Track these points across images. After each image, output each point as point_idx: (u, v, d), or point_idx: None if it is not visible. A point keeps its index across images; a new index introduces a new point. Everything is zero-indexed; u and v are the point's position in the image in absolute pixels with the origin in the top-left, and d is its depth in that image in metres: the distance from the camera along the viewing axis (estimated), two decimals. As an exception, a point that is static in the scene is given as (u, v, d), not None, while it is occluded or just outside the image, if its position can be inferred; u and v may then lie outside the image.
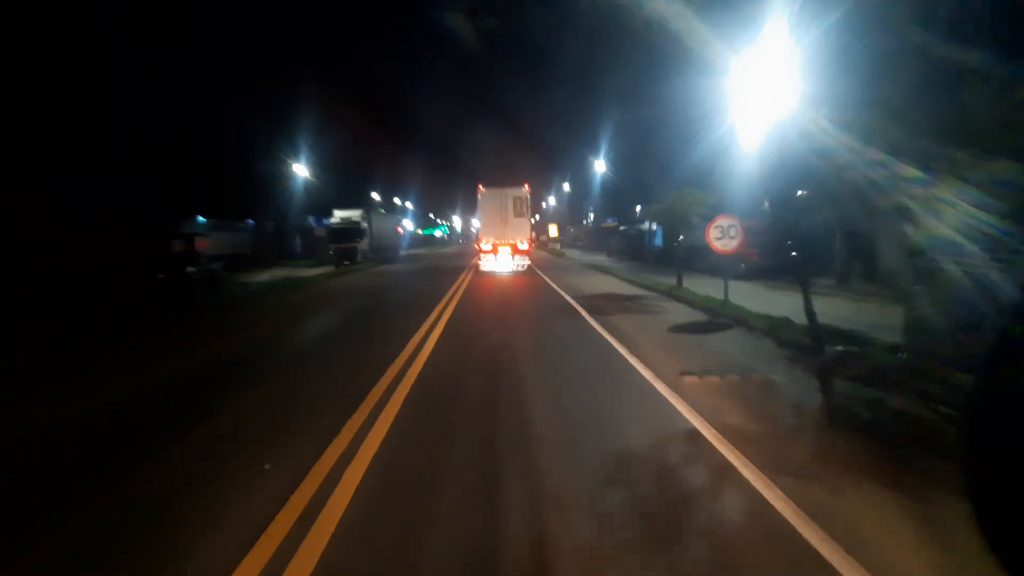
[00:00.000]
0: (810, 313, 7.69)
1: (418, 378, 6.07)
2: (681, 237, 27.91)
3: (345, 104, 51.80)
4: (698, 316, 9.93)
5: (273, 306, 14.05)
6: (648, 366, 6.26)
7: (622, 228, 34.41)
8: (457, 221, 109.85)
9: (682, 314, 10.18)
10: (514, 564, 2.67)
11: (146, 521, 3.24)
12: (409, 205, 69.14)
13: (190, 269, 20.17)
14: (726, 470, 3.64)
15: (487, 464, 3.80)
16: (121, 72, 21.20)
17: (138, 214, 21.19)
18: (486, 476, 3.60)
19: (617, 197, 41.61)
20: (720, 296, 10.97)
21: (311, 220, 38.78)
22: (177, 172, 25.22)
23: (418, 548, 2.82)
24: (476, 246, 22.08)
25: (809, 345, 6.89)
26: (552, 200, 66.48)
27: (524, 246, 20.48)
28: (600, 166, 36.79)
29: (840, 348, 6.61)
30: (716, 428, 4.34)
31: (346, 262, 27.64)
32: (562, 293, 13.37)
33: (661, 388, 5.44)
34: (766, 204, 26.06)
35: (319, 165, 35.43)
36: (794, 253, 20.19)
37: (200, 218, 31.11)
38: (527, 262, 21.10)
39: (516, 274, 19.85)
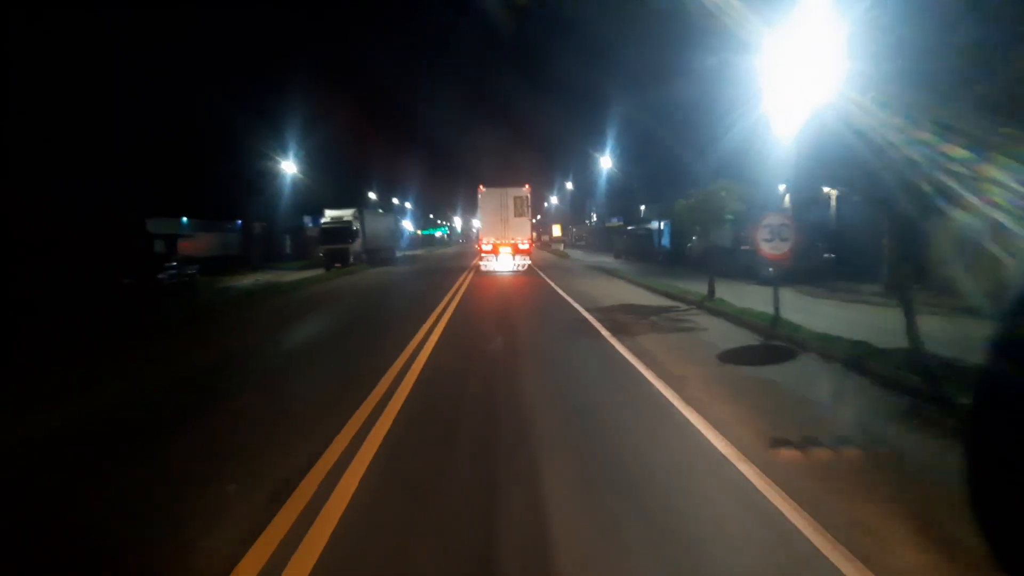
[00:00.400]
0: (914, 339, 5.79)
1: (385, 445, 4.11)
2: (695, 238, 25.96)
3: (341, 101, 49.88)
4: (747, 337, 7.97)
5: (247, 316, 12.29)
6: (714, 425, 4.31)
7: (630, 228, 32.43)
8: (458, 221, 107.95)
9: (726, 334, 8.21)
10: None
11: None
12: (408, 205, 67.20)
13: (164, 274, 18.20)
14: None
15: None
16: (79, 54, 19.31)
17: (100, 213, 19.31)
18: None
19: (623, 196, 39.68)
20: (764, 308, 9.04)
21: (308, 221, 36.87)
22: (146, 167, 23.33)
23: None
24: (476, 246, 21.66)
25: (923, 389, 4.94)
26: (554, 199, 64.52)
27: (525, 246, 20.10)
28: (606, 163, 34.79)
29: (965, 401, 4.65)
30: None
31: (337, 264, 25.72)
32: (574, 304, 11.42)
33: (751, 475, 3.46)
34: (786, 200, 24.12)
35: (313, 163, 33.51)
36: (827, 254, 18.25)
37: (183, 219, 29.22)
38: (528, 262, 20.63)
39: (519, 279, 17.93)
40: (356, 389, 5.46)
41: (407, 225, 69.04)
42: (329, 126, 37.43)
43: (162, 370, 7.07)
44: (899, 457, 3.77)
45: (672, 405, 4.85)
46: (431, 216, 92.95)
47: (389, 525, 2.96)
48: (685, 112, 22.90)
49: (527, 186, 20.56)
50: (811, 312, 9.42)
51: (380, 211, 45.74)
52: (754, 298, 11.18)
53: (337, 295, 15.62)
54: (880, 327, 7.36)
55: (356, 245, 26.16)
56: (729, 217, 10.80)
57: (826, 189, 20.41)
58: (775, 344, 7.36)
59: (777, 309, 8.50)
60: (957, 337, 6.43)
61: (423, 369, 6.31)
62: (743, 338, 7.88)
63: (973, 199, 4.87)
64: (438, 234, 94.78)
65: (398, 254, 36.27)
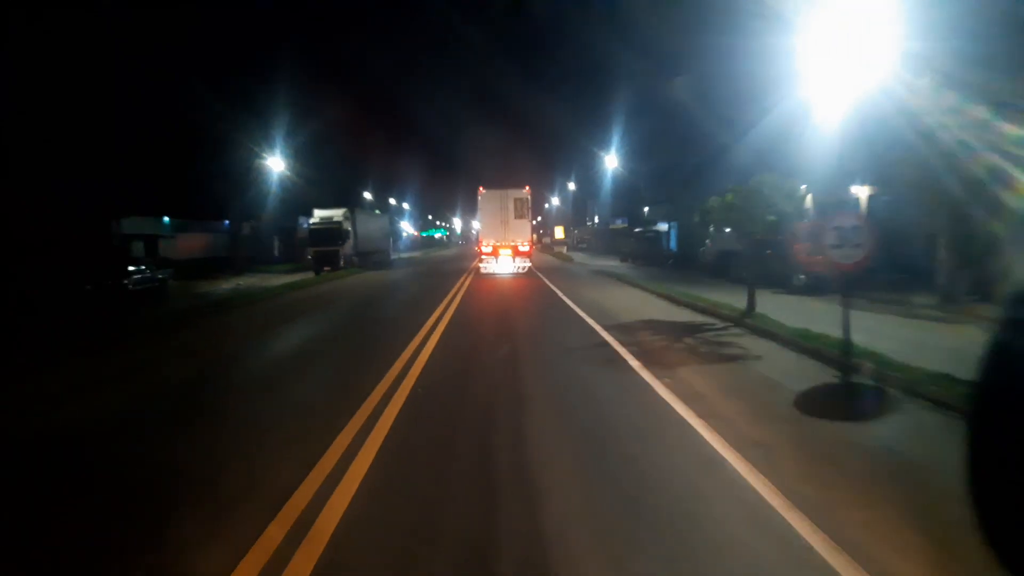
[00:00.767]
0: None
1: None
2: (708, 241, 24.16)
3: (336, 98, 48.12)
4: (816, 370, 6.17)
5: (212, 329, 10.69)
6: (842, 548, 2.51)
7: (637, 230, 30.64)
8: (457, 223, 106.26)
9: (788, 365, 6.42)
10: None
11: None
12: (406, 206, 65.41)
13: (131, 279, 16.41)
14: None
15: None
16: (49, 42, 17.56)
17: (58, 212, 17.53)
18: None
19: (629, 196, 37.93)
20: (813, 325, 7.29)
21: (303, 222, 35.00)
22: (120, 164, 21.54)
23: None
24: (476, 248, 21.37)
25: None
26: (555, 200, 62.76)
27: (525, 248, 19.83)
28: (611, 162, 33.00)
29: None
30: None
31: (326, 268, 23.93)
32: (586, 319, 9.64)
33: None
34: (808, 199, 22.29)
35: (306, 162, 31.72)
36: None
37: (165, 219, 27.43)
38: (528, 264, 20.25)
39: (521, 287, 16.15)
40: (332, 417, 3.65)
41: (406, 226, 67.29)
42: (324, 123, 35.65)
43: (78, 405, 5.32)
44: None
45: (779, 516, 3.01)
46: (429, 217, 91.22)
47: None
48: (707, 103, 21.16)
49: (527, 188, 20.23)
50: (871, 332, 7.60)
51: (377, 212, 43.97)
52: (795, 312, 9.43)
53: (319, 303, 13.84)
54: (971, 353, 5.56)
55: (347, 247, 24.38)
56: (771, 218, 9.02)
57: (854, 188, 18.67)
58: (862, 383, 5.56)
59: (848, 332, 6.69)
60: None
61: (393, 428, 4.50)
62: (812, 371, 6.09)
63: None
64: (437, 235, 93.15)
65: (393, 256, 34.49)
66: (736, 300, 10.88)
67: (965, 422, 0.99)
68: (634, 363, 6.36)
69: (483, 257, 20.15)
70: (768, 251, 18.68)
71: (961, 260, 11.55)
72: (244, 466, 3.77)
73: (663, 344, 7.44)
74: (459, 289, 15.30)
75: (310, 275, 22.85)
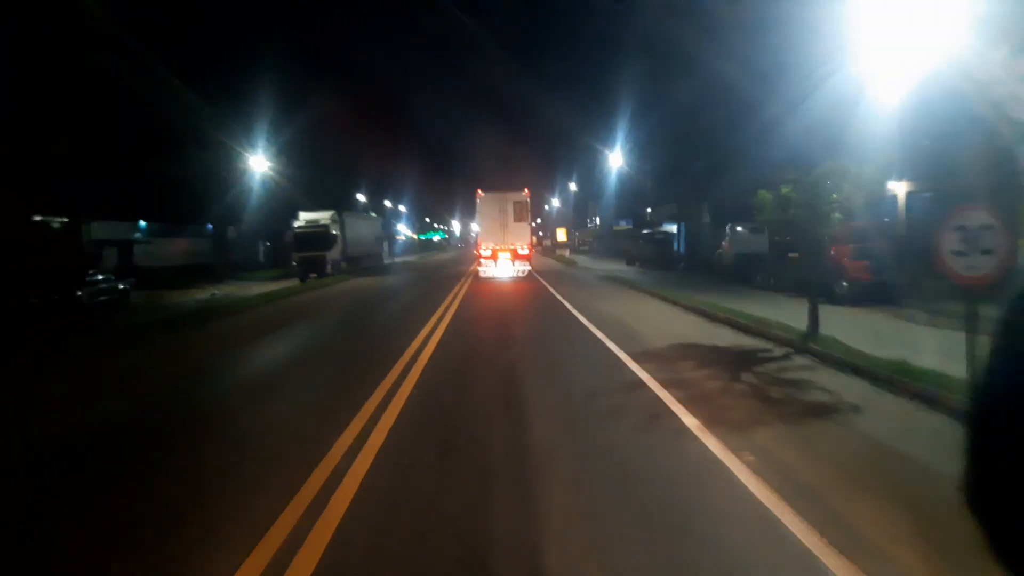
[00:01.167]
0: None
1: None
2: (724, 243, 22.28)
3: (328, 96, 46.31)
4: (951, 430, 4.27)
5: (168, 349, 9.08)
6: None
7: (645, 231, 28.76)
8: (456, 225, 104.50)
9: (903, 422, 4.52)
10: None
11: None
12: (402, 208, 63.52)
13: (86, 290, 14.52)
14: None
15: None
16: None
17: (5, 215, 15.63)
18: None
19: (635, 196, 36.09)
20: (897, 351, 5.43)
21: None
22: (85, 162, 19.66)
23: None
24: (475, 251, 21.02)
25: None
26: (556, 202, 60.91)
27: (525, 251, 19.44)
28: (615, 160, 31.10)
29: None
30: None
31: (312, 275, 22.04)
32: (606, 342, 7.75)
33: None
34: (833, 196, 20.49)
35: (296, 162, 29.84)
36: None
37: (141, 222, 25.54)
38: (528, 268, 19.75)
39: (523, 296, 14.26)
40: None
41: (403, 229, 65.44)
42: (314, 122, 33.79)
43: None
44: None
45: None
46: (427, 220, 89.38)
47: None
48: (725, 93, 19.29)
49: (526, 190, 19.85)
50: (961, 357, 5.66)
51: (372, 215, 42.07)
52: (860, 331, 7.55)
53: (293, 319, 11.95)
54: None
55: (334, 252, 22.50)
56: (836, 216, 7.15)
57: (891, 184, 16.81)
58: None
59: (972, 357, 4.77)
60: None
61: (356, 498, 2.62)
62: (947, 433, 4.20)
63: None
64: (436, 238, 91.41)
65: (387, 261, 32.60)
66: (778, 313, 9.04)
67: (966, 422, 0.88)
68: (689, 420, 4.47)
69: (482, 261, 19.72)
70: (793, 254, 16.89)
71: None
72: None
73: (718, 384, 5.54)
74: (453, 300, 13.41)
75: (295, 282, 20.99)
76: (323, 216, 22.74)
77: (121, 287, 15.95)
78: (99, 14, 19.16)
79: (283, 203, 26.50)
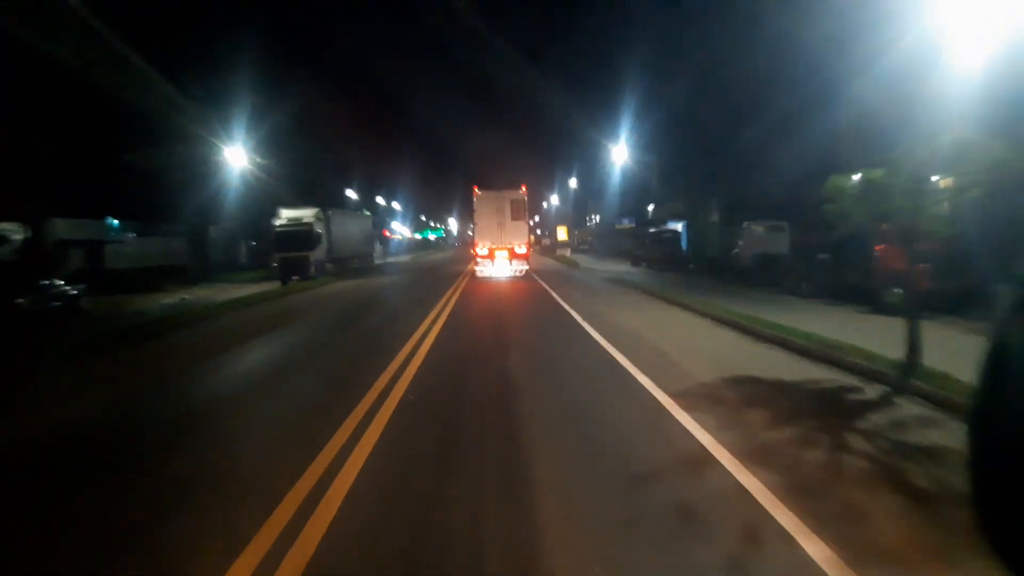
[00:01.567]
0: None
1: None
2: (742, 242, 20.46)
3: (316, 87, 44.31)
4: None
5: (105, 369, 7.55)
6: None
7: (652, 230, 26.94)
8: (454, 224, 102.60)
9: None
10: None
11: None
12: (396, 206, 61.52)
13: (27, 297, 12.63)
14: None
15: None
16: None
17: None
18: None
19: (638, 193, 34.28)
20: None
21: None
22: (41, 156, 17.73)
23: None
24: (471, 251, 20.49)
25: None
26: (555, 199, 59.02)
27: (522, 251, 18.94)
28: (619, 154, 29.23)
29: None
30: None
31: (295, 276, 20.17)
32: (636, 375, 5.89)
33: None
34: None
35: (281, 156, 27.92)
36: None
37: (112, 221, 23.60)
38: (525, 267, 19.27)
39: (525, 306, 12.41)
40: None
41: (399, 228, 63.48)
42: (302, 116, 31.86)
43: None
44: None
45: None
46: (422, 218, 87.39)
47: None
48: (750, 69, 17.46)
49: (524, 187, 19.29)
50: None
51: (366, 212, 40.16)
52: (950, 352, 5.66)
53: (263, 329, 10.14)
54: None
55: (319, 252, 20.62)
56: (943, 209, 5.34)
57: (935, 178, 15.08)
58: None
59: None
60: None
61: None
62: None
63: None
64: (433, 237, 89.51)
65: (379, 261, 30.71)
66: (832, 328, 7.29)
67: (967, 422, 0.86)
68: (814, 549, 2.61)
69: (479, 260, 19.20)
70: (821, 255, 15.10)
71: None
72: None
73: (820, 458, 3.66)
74: (443, 308, 11.55)
75: (276, 285, 19.13)
76: (306, 213, 20.85)
77: (74, 293, 14.06)
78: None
79: (267, 200, 24.58)
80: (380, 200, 52.89)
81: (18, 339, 10.68)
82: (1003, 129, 11.59)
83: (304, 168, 31.37)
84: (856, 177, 5.92)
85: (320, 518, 2.97)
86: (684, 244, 26.60)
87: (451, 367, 6.54)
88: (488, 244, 19.04)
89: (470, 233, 23.58)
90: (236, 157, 23.38)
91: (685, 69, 20.50)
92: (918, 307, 5.47)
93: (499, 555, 2.64)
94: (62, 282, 13.96)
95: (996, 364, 0.86)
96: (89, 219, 22.60)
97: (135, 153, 22.06)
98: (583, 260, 30.28)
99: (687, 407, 4.67)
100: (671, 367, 6.12)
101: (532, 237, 36.03)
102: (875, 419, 4.38)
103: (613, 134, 28.28)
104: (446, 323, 9.61)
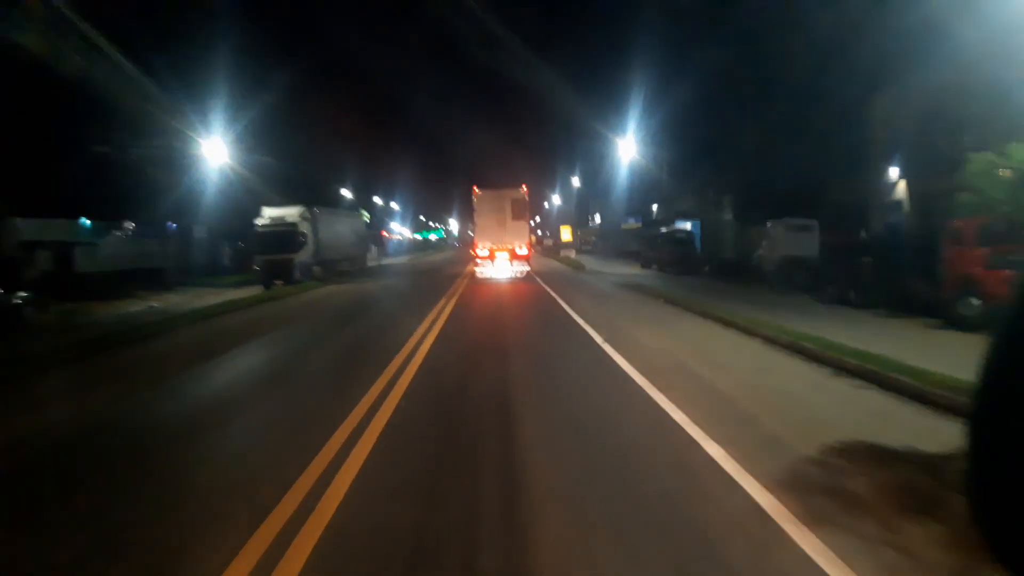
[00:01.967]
0: None
1: None
2: (766, 242, 18.61)
3: (309, 81, 42.52)
4: None
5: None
6: None
7: (664, 229, 25.11)
8: (454, 224, 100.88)
9: None
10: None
11: None
12: (395, 206, 59.68)
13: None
14: None
15: None
16: None
17: None
18: None
19: (646, 191, 32.48)
20: None
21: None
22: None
23: None
24: (471, 251, 20.00)
25: None
26: (556, 199, 57.20)
27: (523, 251, 18.35)
28: (626, 150, 27.36)
29: None
30: None
31: (278, 281, 18.36)
32: (701, 441, 4.04)
33: None
34: (900, 187, 16.94)
35: (269, 152, 26.14)
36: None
37: (84, 221, 21.75)
38: (526, 268, 18.63)
39: (532, 319, 10.58)
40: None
41: (398, 228, 61.70)
42: (292, 111, 30.08)
43: None
44: None
45: None
46: (421, 218, 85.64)
47: None
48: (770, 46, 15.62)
49: (524, 187, 18.70)
50: None
51: (362, 211, 38.36)
52: None
53: (238, 340, 8.46)
54: None
55: (304, 254, 18.78)
56: None
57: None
58: None
59: None
60: None
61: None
62: None
63: None
64: (433, 237, 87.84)
65: (372, 263, 28.88)
66: (918, 351, 5.52)
67: (967, 422, 0.85)
68: None
69: (479, 261, 18.63)
70: (864, 258, 13.27)
71: None
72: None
73: None
74: (434, 323, 9.72)
75: (259, 290, 17.34)
76: (291, 212, 19.01)
77: (16, 302, 12.24)
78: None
79: (253, 199, 22.75)
80: (377, 200, 51.07)
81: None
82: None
83: (295, 165, 29.59)
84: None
85: None
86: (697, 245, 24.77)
87: (433, 419, 4.72)
88: (488, 245, 18.31)
89: (470, 233, 22.02)
90: (219, 152, 21.56)
91: (701, 52, 18.63)
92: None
93: None
94: (2, 290, 12.13)
95: (998, 362, 0.82)
96: (60, 218, 20.83)
97: (109, 144, 20.29)
98: (587, 262, 28.44)
99: (807, 517, 2.83)
100: (747, 426, 4.28)
101: (533, 237, 34.26)
102: None
103: (620, 128, 26.45)
104: (436, 341, 7.78)
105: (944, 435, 3.94)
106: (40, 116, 19.04)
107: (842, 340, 6.62)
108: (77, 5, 17.28)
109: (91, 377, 6.81)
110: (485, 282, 18.04)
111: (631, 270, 22.52)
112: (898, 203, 16.30)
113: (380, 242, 45.32)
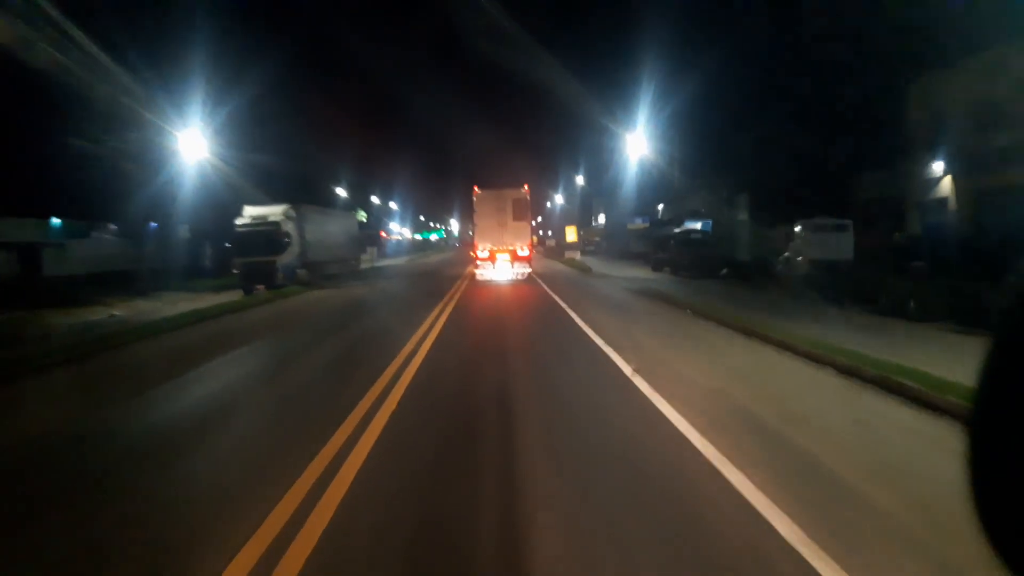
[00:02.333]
0: None
1: None
2: (793, 244, 16.92)
3: (300, 76, 40.88)
4: None
5: None
6: None
7: (677, 230, 23.41)
8: (455, 224, 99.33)
9: None
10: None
11: None
12: (393, 205, 58.01)
13: None
14: None
15: None
16: None
17: None
18: None
19: (659, 188, 30.79)
20: None
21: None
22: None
23: None
24: (471, 252, 19.39)
25: None
26: (558, 199, 55.51)
27: (525, 252, 17.65)
28: (633, 147, 25.64)
29: None
30: None
31: (259, 286, 16.74)
32: None
33: None
34: (946, 183, 15.26)
35: (257, 148, 24.45)
36: None
37: (54, 220, 20.15)
38: (528, 270, 17.92)
39: (540, 339, 8.87)
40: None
41: (397, 228, 60.06)
42: (286, 105, 28.42)
43: None
44: None
45: None
46: (421, 218, 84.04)
47: None
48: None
49: (526, 186, 18.10)
50: None
51: (360, 211, 36.70)
52: None
53: (198, 359, 6.86)
54: None
55: (288, 256, 17.14)
56: None
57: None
58: None
59: None
60: None
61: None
62: None
63: None
64: (433, 238, 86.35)
65: (366, 265, 27.22)
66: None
67: (966, 422, 0.81)
68: None
69: (479, 263, 17.87)
70: (916, 263, 11.60)
71: None
72: None
73: None
74: (425, 336, 8.06)
75: (238, 295, 15.71)
76: (274, 211, 17.36)
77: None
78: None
79: (238, 197, 21.09)
80: (375, 199, 49.40)
81: None
82: None
83: (289, 162, 27.93)
84: None
85: None
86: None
87: (412, 480, 3.06)
88: (488, 246, 17.49)
89: (471, 234, 20.44)
90: (200, 147, 19.90)
91: (719, 28, 16.95)
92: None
93: None
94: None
95: (999, 359, 0.80)
96: (28, 217, 19.23)
97: (82, 137, 18.63)
98: (592, 263, 26.74)
99: None
100: (917, 555, 2.60)
101: (535, 238, 32.60)
102: None
103: (628, 122, 24.72)
104: (422, 368, 6.13)
105: None
106: (4, 105, 17.43)
107: (943, 372, 4.96)
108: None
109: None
110: (485, 287, 16.45)
111: (641, 273, 20.84)
112: (943, 201, 14.60)
113: (378, 243, 43.69)
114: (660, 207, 36.55)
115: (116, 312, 13.88)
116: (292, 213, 17.57)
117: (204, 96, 19.50)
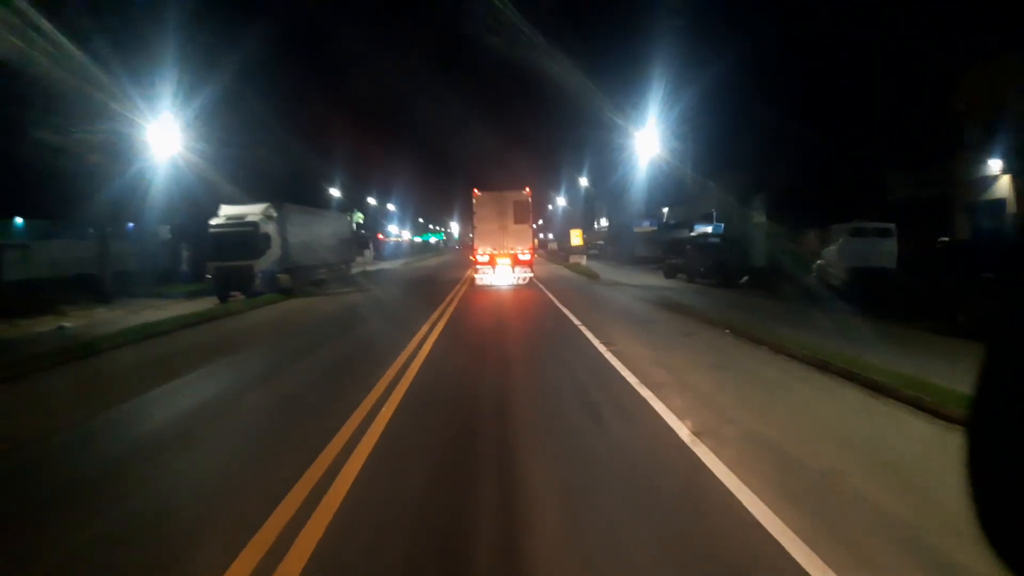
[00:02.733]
0: None
1: None
2: (830, 248, 15.09)
3: (295, 73, 39.16)
4: None
5: None
6: None
7: (693, 233, 21.70)
8: (455, 226, 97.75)
9: None
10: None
11: None
12: (391, 207, 56.30)
13: None
14: None
15: None
16: None
17: None
18: None
19: (662, 190, 29.12)
20: None
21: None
22: None
23: None
24: (471, 256, 18.78)
25: None
26: (560, 201, 53.84)
27: (526, 256, 17.08)
28: (644, 144, 23.90)
29: None
30: None
31: (234, 293, 15.05)
32: None
33: None
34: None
35: (243, 144, 22.73)
36: None
37: (17, 220, 18.42)
38: (529, 274, 17.22)
39: (551, 377, 7.09)
40: None
41: (395, 230, 58.39)
42: (279, 102, 26.70)
43: None
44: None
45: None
46: (420, 220, 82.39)
47: None
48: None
49: (527, 189, 17.54)
50: None
51: (356, 212, 34.94)
52: None
53: (143, 386, 5.17)
54: None
55: (267, 260, 15.41)
56: None
57: None
58: None
59: None
60: None
61: None
62: None
63: None
64: (433, 240, 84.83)
65: (363, 268, 25.48)
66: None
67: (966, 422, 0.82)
68: None
69: (478, 267, 17.22)
70: (986, 274, 9.88)
71: None
72: None
73: None
74: (412, 359, 6.33)
75: (209, 305, 14.02)
76: (252, 211, 15.65)
77: None
78: None
79: (219, 196, 19.35)
80: (372, 200, 47.69)
81: None
82: None
83: (281, 161, 26.22)
84: None
85: None
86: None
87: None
88: (489, 250, 16.78)
89: (471, 236, 18.92)
90: (174, 142, 18.16)
91: (738, 19, 15.30)
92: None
93: None
94: None
95: (999, 358, 0.80)
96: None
97: (45, 130, 16.91)
98: (599, 269, 25.00)
99: None
100: None
101: (536, 241, 31.00)
102: None
103: (637, 119, 22.98)
104: (409, 394, 4.41)
105: None
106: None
107: None
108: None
109: None
110: (485, 293, 14.82)
111: (653, 280, 19.13)
112: (999, 203, 12.89)
113: (376, 245, 42.00)
114: (665, 210, 34.93)
115: (67, 324, 12.16)
116: (272, 212, 15.85)
117: (179, 87, 17.76)
